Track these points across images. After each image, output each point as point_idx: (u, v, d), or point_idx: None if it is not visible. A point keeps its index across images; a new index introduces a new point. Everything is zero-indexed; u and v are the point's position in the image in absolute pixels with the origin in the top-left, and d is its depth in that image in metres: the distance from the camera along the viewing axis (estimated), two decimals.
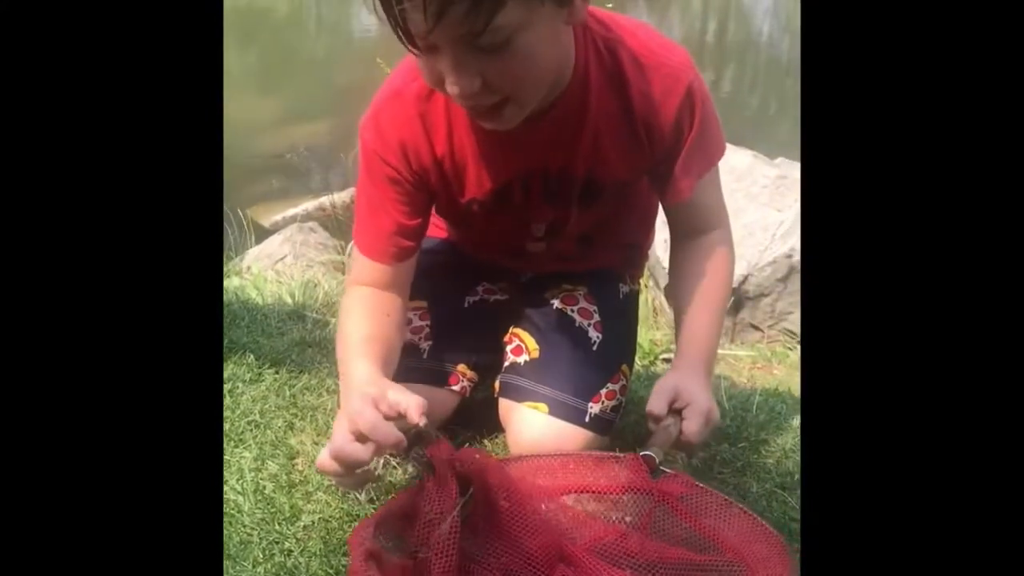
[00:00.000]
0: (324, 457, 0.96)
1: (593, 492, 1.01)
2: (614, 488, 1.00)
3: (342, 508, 1.09)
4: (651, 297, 2.63)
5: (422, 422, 0.92)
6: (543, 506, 0.96)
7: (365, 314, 1.10)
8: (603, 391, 1.20)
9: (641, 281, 1.36)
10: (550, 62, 0.93)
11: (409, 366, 1.22)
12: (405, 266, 1.13)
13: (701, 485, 0.93)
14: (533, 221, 1.16)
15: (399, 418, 0.91)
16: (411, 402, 0.92)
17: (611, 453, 1.04)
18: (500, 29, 0.83)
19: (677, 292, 1.18)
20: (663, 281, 2.77)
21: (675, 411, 1.05)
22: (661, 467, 0.99)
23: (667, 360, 2.30)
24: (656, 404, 1.04)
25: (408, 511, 0.92)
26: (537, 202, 1.11)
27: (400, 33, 0.84)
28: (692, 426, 1.03)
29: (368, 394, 0.93)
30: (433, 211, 1.17)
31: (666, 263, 2.86)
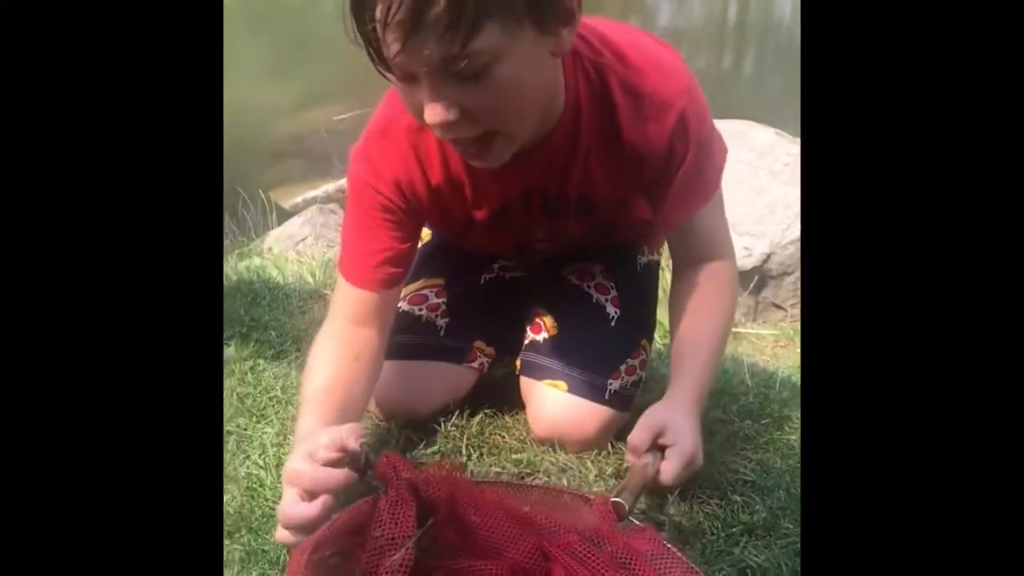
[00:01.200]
0: (280, 532, 0.91)
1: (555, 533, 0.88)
2: (579, 532, 0.87)
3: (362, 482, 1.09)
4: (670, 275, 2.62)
5: (359, 445, 0.87)
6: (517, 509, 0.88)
7: (331, 360, 1.06)
8: (623, 367, 1.19)
9: (662, 258, 1.34)
10: (534, 93, 0.89)
11: (426, 343, 1.22)
12: (390, 295, 1.10)
13: (668, 545, 0.86)
14: (533, 230, 1.14)
15: (343, 455, 0.86)
16: (343, 432, 0.88)
17: (581, 493, 0.96)
18: (477, 55, 0.79)
19: (673, 321, 1.13)
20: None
21: (657, 447, 1.00)
22: (631, 517, 0.92)
23: None
24: (638, 436, 0.99)
25: (356, 528, 0.82)
26: (536, 217, 1.10)
27: (373, 57, 0.82)
28: (671, 468, 0.97)
29: (301, 451, 0.89)
30: None
31: None
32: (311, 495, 0.87)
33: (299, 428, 1.00)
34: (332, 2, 0.83)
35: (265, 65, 6.16)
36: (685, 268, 1.13)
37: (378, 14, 0.77)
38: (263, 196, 2.83)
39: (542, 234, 1.15)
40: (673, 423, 1.01)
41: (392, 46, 0.79)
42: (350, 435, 0.87)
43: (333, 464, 0.86)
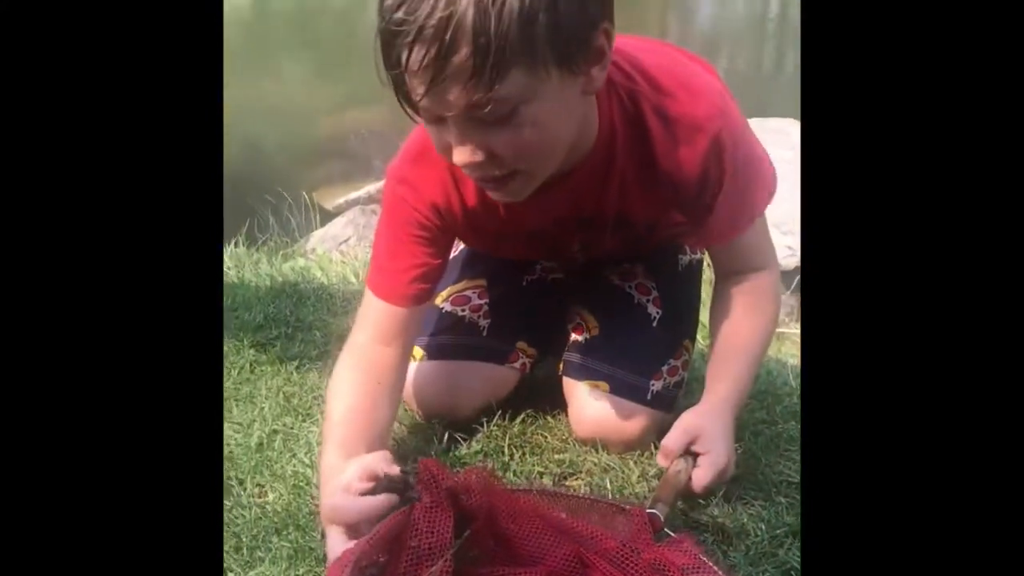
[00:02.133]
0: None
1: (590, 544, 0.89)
2: (614, 544, 0.88)
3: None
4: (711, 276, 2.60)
5: (396, 470, 0.90)
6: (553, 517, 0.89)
7: (353, 386, 1.06)
8: (664, 368, 1.19)
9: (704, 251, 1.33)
10: (562, 133, 0.89)
11: (469, 344, 1.23)
12: (418, 312, 1.10)
13: (705, 559, 0.85)
14: (569, 244, 1.14)
15: (378, 482, 0.89)
16: (372, 461, 0.92)
17: (616, 503, 0.96)
18: (502, 101, 0.80)
19: (714, 327, 1.14)
20: None
21: (690, 453, 1.02)
22: (666, 529, 0.92)
23: None
24: (672, 440, 1.01)
25: (395, 539, 0.83)
26: (571, 235, 1.11)
27: (401, 100, 0.83)
28: (703, 477, 0.99)
29: (333, 488, 0.92)
30: None
31: None
32: (354, 529, 0.89)
33: (324, 463, 1.01)
34: (376, 4, 0.84)
35: (307, 67, 6.23)
36: (727, 278, 1.13)
37: (404, 60, 0.79)
38: (306, 197, 2.86)
39: (578, 247, 1.15)
40: (707, 431, 1.02)
41: (417, 91, 0.80)
42: (381, 462, 0.91)
43: (369, 493, 0.89)
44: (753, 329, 1.11)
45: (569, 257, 1.21)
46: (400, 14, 0.77)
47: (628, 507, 0.93)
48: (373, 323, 1.08)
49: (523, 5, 0.76)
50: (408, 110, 0.84)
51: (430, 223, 1.04)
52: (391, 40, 0.79)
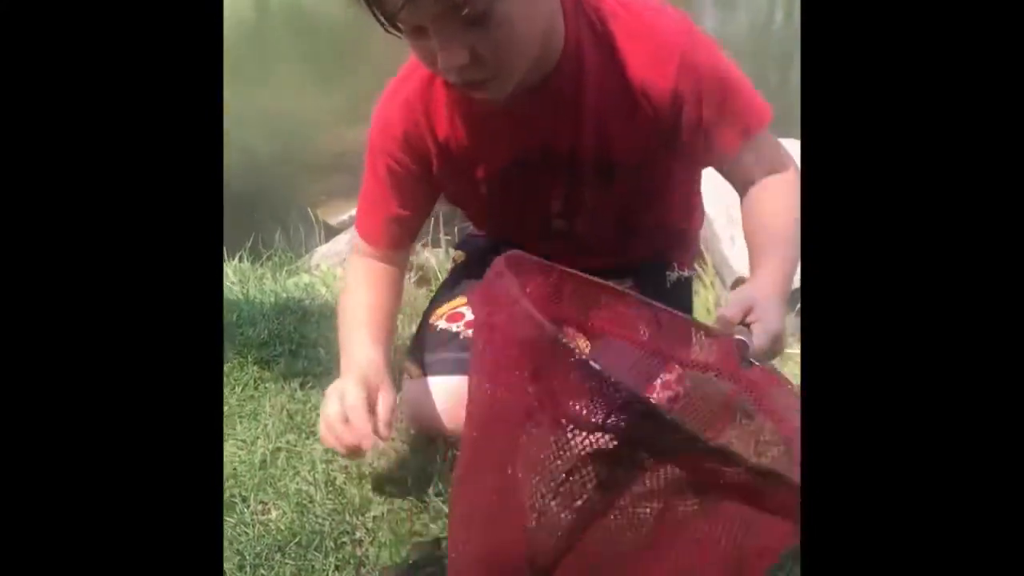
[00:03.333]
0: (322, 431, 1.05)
1: (680, 362, 0.98)
2: (701, 365, 0.97)
3: (411, 499, 1.10)
4: (717, 294, 2.60)
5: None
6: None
7: (367, 285, 1.20)
8: (657, 383, 1.19)
9: (705, 275, 1.34)
10: (534, 30, 0.93)
11: (466, 359, 1.22)
12: (400, 251, 1.22)
13: (787, 382, 0.88)
14: (549, 199, 1.16)
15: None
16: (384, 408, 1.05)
17: (706, 324, 0.99)
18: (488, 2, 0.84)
19: (747, 219, 1.13)
20: (729, 279, 2.73)
21: (745, 324, 1.01)
22: (751, 359, 0.94)
23: None
24: (731, 310, 1.00)
25: None
26: (549, 179, 1.12)
27: (378, 15, 0.86)
28: (759, 343, 0.98)
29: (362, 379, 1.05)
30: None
31: (732, 260, 2.82)
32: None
33: (354, 349, 1.12)
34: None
35: (310, 80, 6.25)
36: (748, 186, 1.13)
37: None
38: (310, 212, 2.87)
39: (559, 206, 1.16)
40: (760, 302, 1.02)
41: (396, 2, 0.83)
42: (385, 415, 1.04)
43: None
44: (789, 214, 1.09)
45: (556, 232, 1.22)
46: None
47: (716, 331, 0.98)
48: (363, 252, 1.22)
49: None
50: (387, 26, 0.87)
51: (400, 167, 1.12)
52: None
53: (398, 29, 0.88)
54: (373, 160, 1.15)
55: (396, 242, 1.20)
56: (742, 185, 1.14)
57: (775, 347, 1.01)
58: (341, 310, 1.20)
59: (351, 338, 1.15)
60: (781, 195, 1.11)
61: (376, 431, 1.02)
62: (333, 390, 1.06)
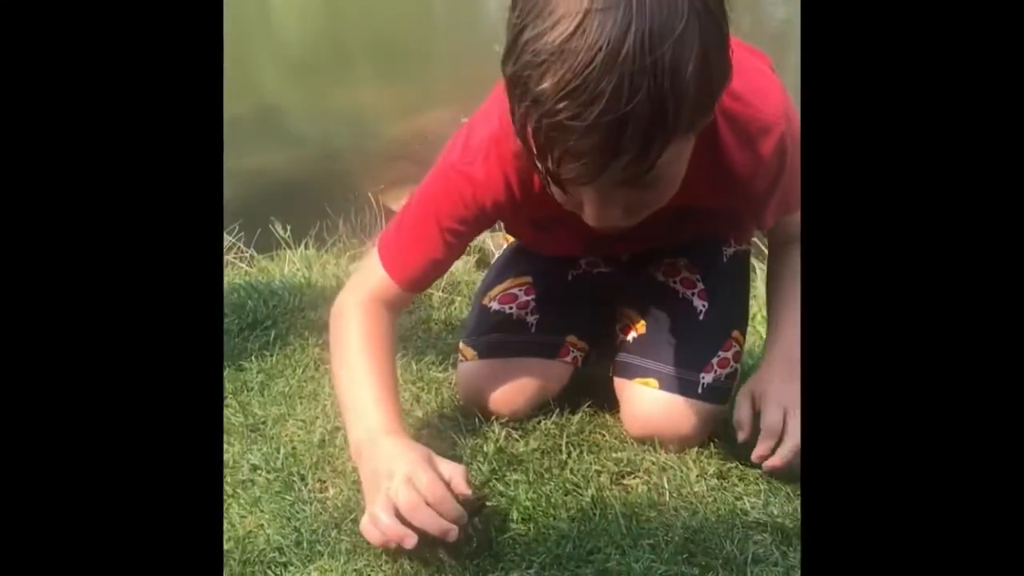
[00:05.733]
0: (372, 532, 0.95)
1: None
2: None
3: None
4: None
5: (468, 492, 0.95)
6: None
7: (369, 339, 1.09)
8: (715, 360, 1.17)
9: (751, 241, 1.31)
10: (680, 176, 0.87)
11: (520, 341, 1.24)
12: (409, 296, 1.15)
13: None
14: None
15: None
16: (455, 471, 0.96)
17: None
18: (656, 168, 0.77)
19: (770, 292, 1.16)
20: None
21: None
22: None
23: None
24: (739, 411, 1.04)
25: None
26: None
27: (551, 181, 0.80)
28: (759, 450, 1.02)
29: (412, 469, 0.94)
30: None
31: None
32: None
33: (368, 420, 1.04)
34: (441, 6, 0.83)
35: (376, 71, 6.32)
36: (781, 246, 1.14)
37: (566, 155, 0.76)
38: (372, 198, 2.90)
39: (618, 233, 1.14)
40: (765, 394, 1.03)
41: (569, 174, 0.78)
42: (461, 478, 0.96)
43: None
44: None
45: (607, 248, 1.21)
46: (566, 108, 0.72)
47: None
48: (372, 287, 1.11)
49: (697, 91, 0.74)
50: (549, 184, 0.82)
51: (473, 219, 1.05)
52: (551, 139, 0.74)
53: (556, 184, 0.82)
54: (437, 203, 1.05)
55: (425, 283, 1.14)
56: (775, 242, 1.16)
57: (782, 441, 1.02)
58: (352, 371, 1.08)
59: (377, 406, 1.05)
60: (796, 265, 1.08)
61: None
62: (396, 482, 0.94)
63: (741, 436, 1.06)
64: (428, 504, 0.92)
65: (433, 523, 0.91)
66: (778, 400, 1.04)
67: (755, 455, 1.04)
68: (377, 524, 0.93)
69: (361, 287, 1.13)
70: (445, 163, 1.05)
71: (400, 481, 0.93)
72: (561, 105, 0.71)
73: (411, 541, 0.91)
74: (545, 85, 0.72)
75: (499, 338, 1.24)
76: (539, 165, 0.79)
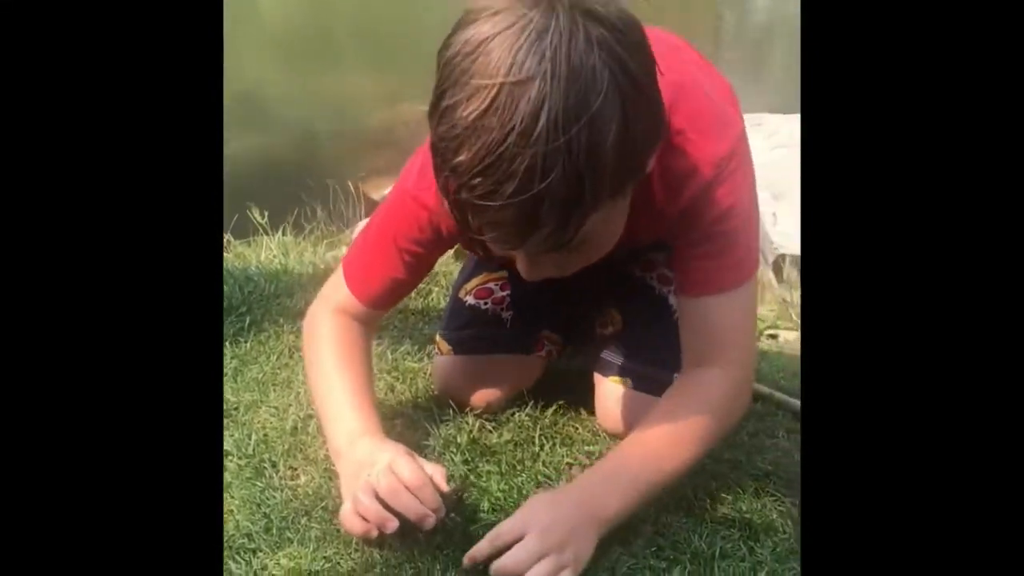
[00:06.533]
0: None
1: None
2: None
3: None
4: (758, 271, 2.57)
5: (446, 488, 0.94)
6: None
7: (360, 350, 1.10)
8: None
9: None
10: (616, 233, 0.86)
11: (494, 337, 1.24)
12: (380, 313, 1.14)
13: None
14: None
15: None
16: (435, 470, 0.94)
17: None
18: (582, 234, 0.77)
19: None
20: (771, 256, 2.70)
21: None
22: None
23: (772, 336, 2.24)
24: (478, 550, 0.91)
25: None
26: None
27: (467, 234, 0.80)
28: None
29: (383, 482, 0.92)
30: None
31: (773, 235, 2.78)
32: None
33: (346, 425, 1.03)
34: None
35: (358, 58, 6.29)
36: (684, 363, 1.05)
37: (484, 228, 0.76)
38: (351, 186, 2.90)
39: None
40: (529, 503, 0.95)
41: (502, 246, 0.79)
42: (438, 475, 0.94)
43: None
44: (667, 442, 0.99)
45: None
46: (480, 185, 0.72)
47: None
48: (339, 303, 1.11)
49: (618, 162, 0.73)
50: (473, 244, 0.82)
51: (429, 242, 1.03)
52: (469, 211, 0.75)
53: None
54: (397, 229, 1.04)
55: (389, 303, 1.13)
56: (684, 355, 1.05)
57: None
58: (319, 375, 1.10)
59: (354, 410, 1.05)
60: (689, 407, 1.00)
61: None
62: (378, 469, 0.94)
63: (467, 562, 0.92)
64: (408, 490, 0.91)
65: (413, 507, 0.90)
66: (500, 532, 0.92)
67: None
68: (358, 506, 0.93)
69: (329, 301, 1.13)
70: (402, 188, 1.04)
71: (382, 467, 0.93)
72: (475, 181, 0.71)
73: (392, 525, 0.91)
74: (461, 158, 0.71)
75: (474, 333, 1.24)
76: (463, 230, 0.79)
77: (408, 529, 0.93)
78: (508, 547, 0.89)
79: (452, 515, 0.95)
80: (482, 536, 0.96)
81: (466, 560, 0.91)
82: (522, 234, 0.75)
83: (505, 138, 0.69)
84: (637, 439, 1.00)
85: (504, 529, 0.91)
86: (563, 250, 0.79)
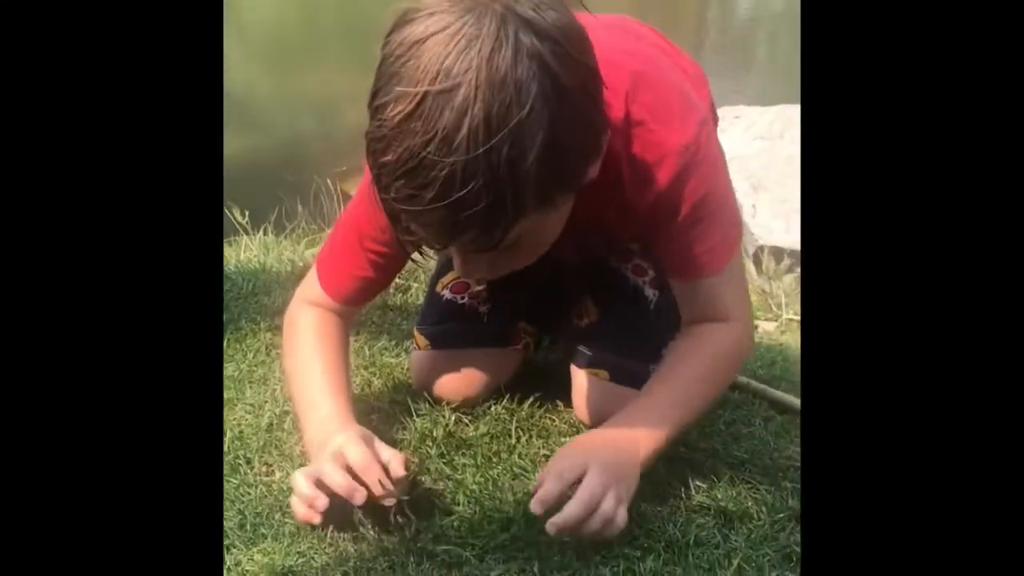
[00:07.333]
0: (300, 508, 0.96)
1: None
2: None
3: (413, 463, 1.11)
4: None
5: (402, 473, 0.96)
6: None
7: (333, 340, 1.11)
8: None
9: None
10: (553, 235, 0.87)
11: (471, 331, 1.24)
12: (360, 308, 1.17)
13: None
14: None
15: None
16: (393, 456, 0.96)
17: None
18: (510, 239, 0.78)
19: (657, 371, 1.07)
20: (751, 248, 2.70)
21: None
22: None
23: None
24: (547, 490, 0.91)
25: None
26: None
27: (403, 237, 0.83)
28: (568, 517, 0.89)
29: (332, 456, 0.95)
30: None
31: (753, 227, 2.79)
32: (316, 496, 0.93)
33: (319, 412, 1.04)
34: None
35: (337, 56, 6.28)
36: (689, 325, 1.07)
37: (410, 228, 0.78)
38: (331, 184, 2.90)
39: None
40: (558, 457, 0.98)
41: (430, 243, 0.81)
42: (396, 461, 0.95)
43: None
44: (693, 387, 1.03)
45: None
46: (403, 188, 0.73)
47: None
48: (314, 300, 1.13)
49: (543, 176, 0.73)
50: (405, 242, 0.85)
51: (393, 243, 1.01)
52: (395, 212, 0.77)
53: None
54: (356, 230, 1.06)
55: (361, 300, 1.15)
56: (686, 319, 1.08)
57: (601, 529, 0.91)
58: (296, 366, 1.11)
59: (328, 398, 1.05)
60: (700, 356, 1.04)
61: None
62: (327, 454, 0.96)
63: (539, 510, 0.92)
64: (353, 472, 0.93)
65: (344, 485, 0.92)
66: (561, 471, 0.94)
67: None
68: (296, 489, 0.95)
69: (306, 298, 1.14)
70: (364, 187, 1.04)
71: (331, 451, 0.95)
72: (398, 184, 0.73)
73: (321, 503, 0.92)
74: (387, 158, 0.72)
75: (451, 328, 1.24)
76: (394, 227, 0.81)
77: (364, 515, 0.96)
78: (576, 482, 0.91)
79: (405, 498, 0.96)
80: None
81: (536, 507, 0.90)
82: (447, 236, 0.77)
83: (426, 144, 0.70)
84: (664, 380, 1.04)
85: (565, 466, 0.93)
86: (493, 252, 0.80)
